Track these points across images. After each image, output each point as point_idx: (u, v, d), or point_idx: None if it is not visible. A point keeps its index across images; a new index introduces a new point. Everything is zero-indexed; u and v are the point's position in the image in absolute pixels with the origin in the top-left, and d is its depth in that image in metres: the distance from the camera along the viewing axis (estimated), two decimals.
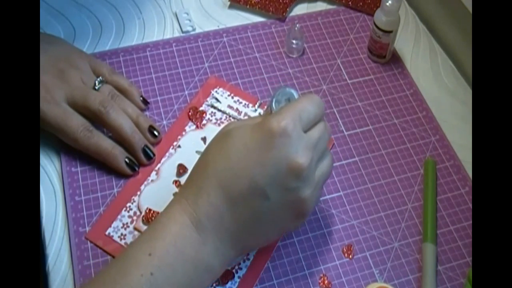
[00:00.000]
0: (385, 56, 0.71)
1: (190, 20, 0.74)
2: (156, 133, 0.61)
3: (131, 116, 0.61)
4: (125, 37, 0.72)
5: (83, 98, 0.59)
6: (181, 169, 0.60)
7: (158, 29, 0.73)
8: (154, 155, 0.60)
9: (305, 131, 0.48)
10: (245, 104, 0.66)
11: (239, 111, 0.65)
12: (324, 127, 0.50)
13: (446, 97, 0.70)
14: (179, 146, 0.62)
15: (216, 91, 0.67)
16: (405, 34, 0.76)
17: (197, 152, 0.62)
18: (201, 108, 0.65)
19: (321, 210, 0.59)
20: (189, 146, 0.62)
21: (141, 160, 0.60)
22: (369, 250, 0.57)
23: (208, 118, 0.65)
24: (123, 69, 0.68)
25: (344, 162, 0.63)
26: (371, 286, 0.53)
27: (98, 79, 0.61)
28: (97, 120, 0.59)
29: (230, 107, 0.66)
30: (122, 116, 0.59)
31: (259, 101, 0.66)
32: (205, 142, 0.63)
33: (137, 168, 0.60)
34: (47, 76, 0.58)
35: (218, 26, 0.74)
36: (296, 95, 0.51)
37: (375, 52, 0.71)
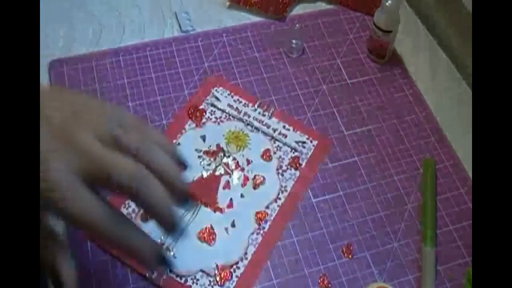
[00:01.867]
0: (384, 56, 0.71)
1: (190, 20, 0.74)
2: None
3: (165, 180, 0.41)
4: (125, 37, 0.72)
5: (103, 170, 0.39)
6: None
7: (158, 28, 0.73)
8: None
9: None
10: (244, 103, 0.66)
11: (238, 110, 0.65)
12: None
13: (446, 97, 0.70)
14: (178, 144, 0.62)
15: (216, 90, 0.67)
16: (405, 34, 0.75)
17: (196, 150, 0.62)
18: (200, 107, 0.65)
19: (321, 210, 0.59)
20: (188, 145, 0.62)
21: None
22: (369, 250, 0.57)
23: (208, 117, 0.65)
24: (123, 69, 0.68)
25: (344, 162, 0.63)
26: (371, 286, 0.53)
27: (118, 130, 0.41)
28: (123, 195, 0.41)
29: (229, 106, 0.66)
30: (156, 191, 0.41)
31: (258, 101, 0.66)
32: (204, 141, 0.63)
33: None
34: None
35: (218, 26, 0.74)
36: None
37: (375, 52, 0.71)
